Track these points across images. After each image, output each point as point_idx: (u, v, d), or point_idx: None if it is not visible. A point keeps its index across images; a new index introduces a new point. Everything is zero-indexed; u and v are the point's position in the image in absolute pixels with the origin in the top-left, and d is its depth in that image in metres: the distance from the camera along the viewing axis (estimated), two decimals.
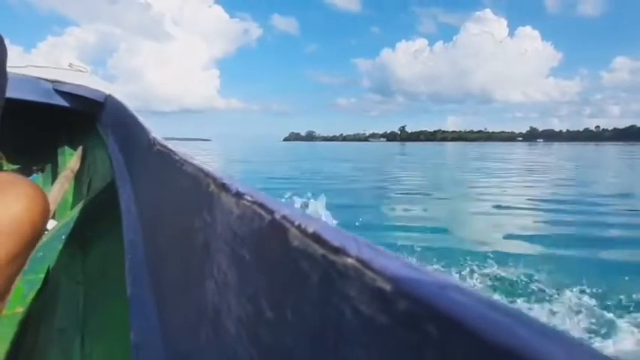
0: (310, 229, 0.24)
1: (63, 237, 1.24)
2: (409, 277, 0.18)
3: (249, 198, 0.32)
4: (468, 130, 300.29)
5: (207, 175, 0.42)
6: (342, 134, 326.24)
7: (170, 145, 0.67)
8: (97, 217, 1.30)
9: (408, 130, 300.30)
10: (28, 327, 1.00)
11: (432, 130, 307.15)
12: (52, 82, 1.95)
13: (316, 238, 0.23)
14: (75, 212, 1.31)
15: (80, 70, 2.16)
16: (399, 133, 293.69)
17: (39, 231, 0.75)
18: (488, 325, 0.14)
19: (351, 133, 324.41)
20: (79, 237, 1.28)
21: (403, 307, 0.17)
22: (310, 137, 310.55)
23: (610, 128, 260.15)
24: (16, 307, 0.99)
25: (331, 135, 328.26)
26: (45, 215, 0.76)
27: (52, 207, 1.31)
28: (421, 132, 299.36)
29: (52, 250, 1.19)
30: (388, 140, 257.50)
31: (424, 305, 0.16)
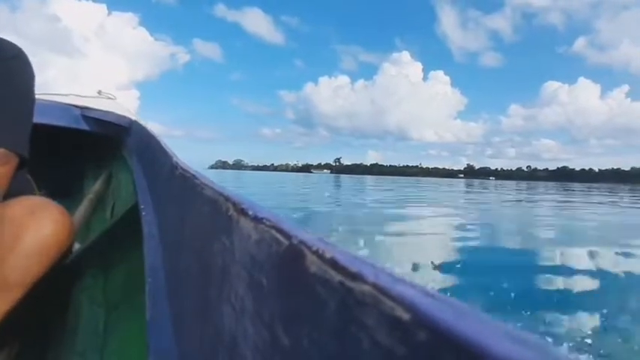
0: (328, 255, 0.23)
1: (86, 260, 1.24)
2: (428, 306, 0.17)
3: (267, 222, 0.31)
4: (402, 164, 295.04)
5: (227, 199, 0.41)
6: (272, 164, 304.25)
7: (192, 169, 0.66)
8: (119, 241, 1.25)
9: (343, 162, 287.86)
10: (49, 349, 0.99)
11: (367, 164, 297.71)
12: (82, 108, 1.95)
13: (334, 263, 0.22)
14: (98, 236, 1.32)
15: (109, 97, 2.19)
16: (334, 165, 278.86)
17: (64, 254, 0.77)
18: (512, 358, 0.13)
19: (280, 162, 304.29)
20: (102, 260, 1.27)
21: (422, 338, 0.16)
22: (239, 166, 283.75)
23: (541, 167, 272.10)
24: (38, 328, 0.97)
25: (262, 164, 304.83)
26: (70, 239, 0.78)
27: (76, 230, 1.29)
28: (357, 165, 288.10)
29: (74, 273, 1.19)
30: (332, 172, 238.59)
31: (444, 337, 0.15)
